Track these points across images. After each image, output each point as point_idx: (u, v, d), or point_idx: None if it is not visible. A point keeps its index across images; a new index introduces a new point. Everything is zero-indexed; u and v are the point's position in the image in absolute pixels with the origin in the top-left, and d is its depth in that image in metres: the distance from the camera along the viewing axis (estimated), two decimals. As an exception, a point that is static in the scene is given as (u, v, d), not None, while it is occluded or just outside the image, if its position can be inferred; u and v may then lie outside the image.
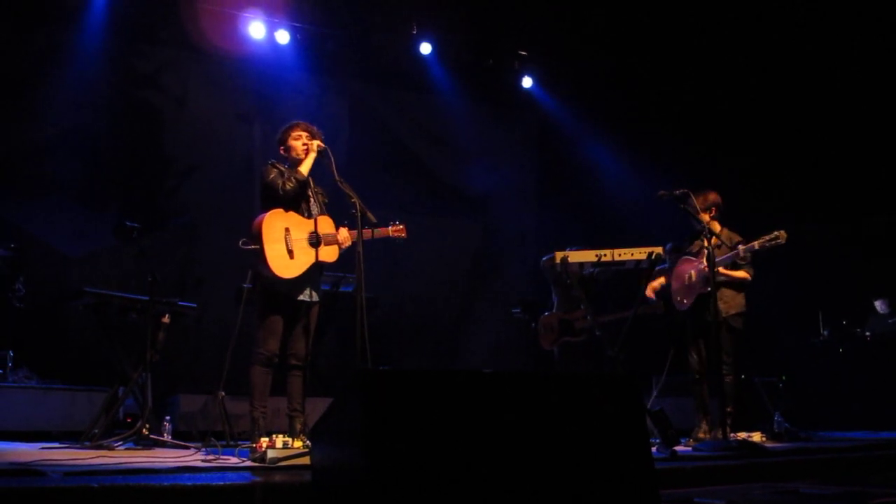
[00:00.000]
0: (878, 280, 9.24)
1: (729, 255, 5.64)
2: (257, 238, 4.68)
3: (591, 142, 9.88)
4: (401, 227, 5.16)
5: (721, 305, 5.68)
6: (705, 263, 5.50)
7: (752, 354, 8.28)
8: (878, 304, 9.01)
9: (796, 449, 5.50)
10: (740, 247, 5.59)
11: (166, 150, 8.35)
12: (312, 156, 4.88)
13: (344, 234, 4.86)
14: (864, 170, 9.18)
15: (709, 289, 5.41)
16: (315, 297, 4.90)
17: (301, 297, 4.81)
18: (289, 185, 4.78)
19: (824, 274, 9.36)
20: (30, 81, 7.63)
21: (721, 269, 5.61)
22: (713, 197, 5.93)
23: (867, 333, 8.93)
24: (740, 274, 5.79)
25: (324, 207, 5.04)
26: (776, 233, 5.43)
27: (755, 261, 5.85)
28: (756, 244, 5.50)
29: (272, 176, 4.84)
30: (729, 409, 5.46)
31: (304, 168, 4.87)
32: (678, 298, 5.95)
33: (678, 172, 7.89)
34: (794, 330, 9.36)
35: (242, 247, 4.75)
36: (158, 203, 8.22)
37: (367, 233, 4.84)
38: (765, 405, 7.55)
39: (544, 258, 6.47)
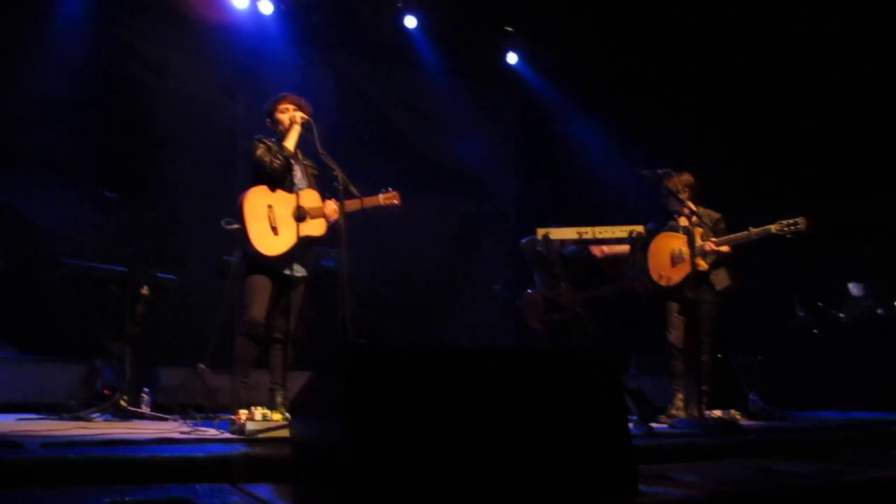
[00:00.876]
0: (853, 264, 9.35)
1: (738, 235, 5.61)
2: (240, 217, 4.65)
3: (576, 119, 9.88)
4: (393, 193, 5.04)
5: (712, 283, 5.73)
6: (700, 241, 5.50)
7: (729, 335, 8.36)
8: (852, 287, 9.12)
9: (771, 427, 5.58)
10: (752, 228, 5.55)
11: (147, 121, 8.24)
12: (297, 129, 4.84)
13: (332, 207, 4.79)
14: (841, 155, 9.23)
15: (699, 267, 5.42)
16: (301, 273, 4.87)
17: (286, 272, 4.78)
18: (276, 164, 4.74)
19: (801, 257, 9.44)
20: (7, 52, 7.49)
21: (713, 247, 5.62)
22: (686, 178, 5.92)
23: (842, 316, 9.04)
24: (724, 249, 5.76)
25: (313, 180, 4.98)
26: (797, 219, 5.41)
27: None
28: (773, 228, 5.47)
29: (259, 152, 4.79)
30: (705, 388, 5.51)
31: (290, 143, 4.83)
32: (660, 274, 5.93)
33: (661, 151, 7.88)
34: (770, 311, 9.45)
35: (225, 226, 4.72)
36: (138, 174, 8.13)
37: (355, 203, 4.78)
38: (741, 385, 7.64)
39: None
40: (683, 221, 5.94)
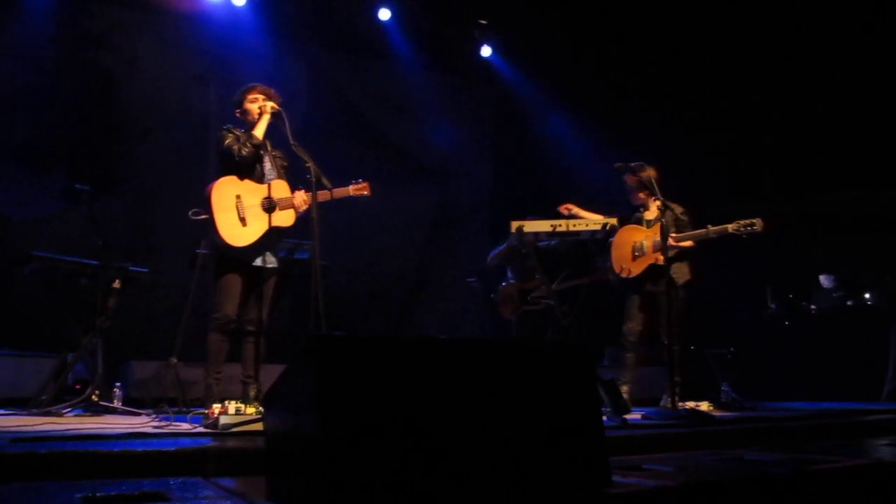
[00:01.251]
0: (823, 256, 9.47)
1: (698, 231, 5.68)
2: (207, 207, 4.61)
3: (550, 112, 9.89)
4: (363, 184, 5.02)
5: (674, 276, 5.77)
6: (657, 233, 5.56)
7: (702, 327, 8.44)
8: (823, 279, 9.23)
9: (742, 418, 5.64)
10: (710, 227, 5.63)
11: (118, 112, 8.14)
12: (266, 118, 4.80)
13: (301, 198, 4.77)
14: (812, 149, 9.34)
15: (663, 259, 5.49)
16: (272, 263, 4.85)
17: (256, 263, 4.76)
18: (245, 151, 4.70)
19: (772, 250, 9.54)
20: (-27, 41, 7.39)
21: (673, 241, 5.68)
22: (651, 172, 5.97)
23: (812, 307, 9.15)
24: (688, 243, 5.84)
25: (282, 171, 4.95)
26: (753, 220, 5.50)
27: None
28: (730, 227, 5.56)
29: (228, 141, 4.76)
30: (677, 379, 5.56)
31: (259, 132, 4.80)
32: (622, 266, 5.99)
33: (636, 144, 7.95)
34: (743, 304, 9.55)
35: (193, 217, 4.67)
36: (109, 166, 8.03)
37: (325, 194, 4.75)
38: (714, 376, 7.71)
39: (492, 254, 6.63)
40: (648, 215, 6.00)
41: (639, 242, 5.93)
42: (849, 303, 8.99)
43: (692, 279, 5.99)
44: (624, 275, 5.95)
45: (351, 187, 4.98)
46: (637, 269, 5.90)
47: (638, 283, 5.92)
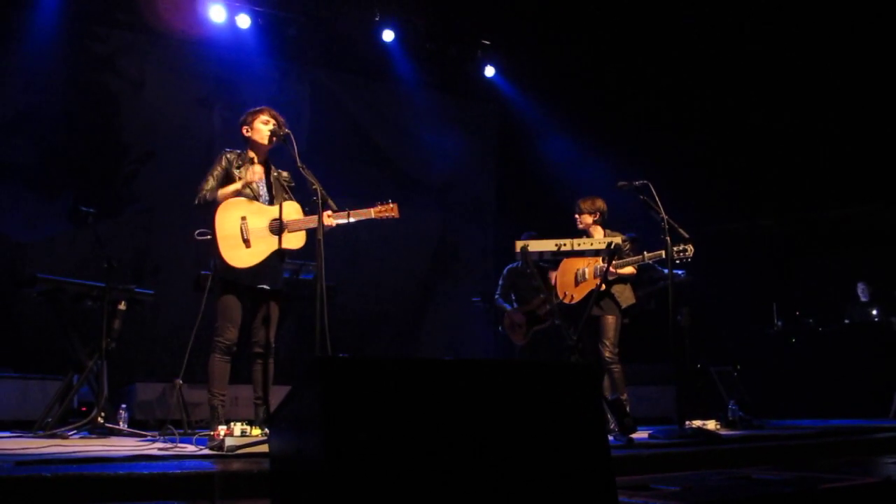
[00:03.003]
0: (831, 273, 9.45)
1: (635, 258, 5.76)
2: (211, 227, 4.61)
3: (553, 131, 9.92)
4: (391, 206, 4.83)
5: (616, 299, 5.91)
6: (601, 263, 5.69)
7: (707, 344, 8.42)
8: (860, 288, 9.05)
9: (749, 436, 5.61)
10: (646, 253, 5.71)
11: (123, 134, 8.21)
12: (236, 187, 4.75)
13: (330, 218, 4.61)
14: (817, 165, 9.35)
15: (603, 285, 5.62)
16: (275, 285, 4.82)
17: (261, 286, 4.74)
18: (205, 198, 4.66)
19: (778, 266, 9.53)
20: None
21: (613, 269, 5.74)
22: (599, 203, 6.08)
23: (846, 321, 9.05)
24: (628, 270, 5.92)
25: (289, 192, 4.92)
26: (686, 245, 5.56)
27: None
28: (663, 253, 5.61)
29: (204, 183, 4.70)
30: (624, 398, 5.72)
31: (253, 173, 4.76)
32: (565, 293, 6.10)
33: (639, 163, 7.96)
34: (748, 321, 9.53)
35: (198, 237, 4.67)
36: (115, 188, 8.08)
37: (342, 215, 4.71)
38: (720, 394, 7.68)
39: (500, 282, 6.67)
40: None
41: (581, 269, 6.05)
42: (875, 316, 8.86)
43: (635, 303, 6.09)
44: (566, 300, 6.05)
45: (374, 209, 4.82)
46: (579, 294, 6.01)
47: (578, 309, 5.93)
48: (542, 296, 6.46)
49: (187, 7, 8.17)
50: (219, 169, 4.77)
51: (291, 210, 4.74)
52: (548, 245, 5.40)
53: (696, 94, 9.49)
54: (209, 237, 4.61)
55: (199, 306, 4.71)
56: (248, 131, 4.87)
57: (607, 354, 5.80)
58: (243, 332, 4.75)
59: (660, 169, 6.76)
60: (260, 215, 4.69)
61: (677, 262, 5.62)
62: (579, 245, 5.39)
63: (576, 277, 6.07)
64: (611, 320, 5.86)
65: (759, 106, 9.39)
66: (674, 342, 5.52)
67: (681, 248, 5.58)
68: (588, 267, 6.01)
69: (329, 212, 4.60)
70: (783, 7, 8.70)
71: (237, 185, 4.71)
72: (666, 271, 5.75)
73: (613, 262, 5.66)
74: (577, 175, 9.60)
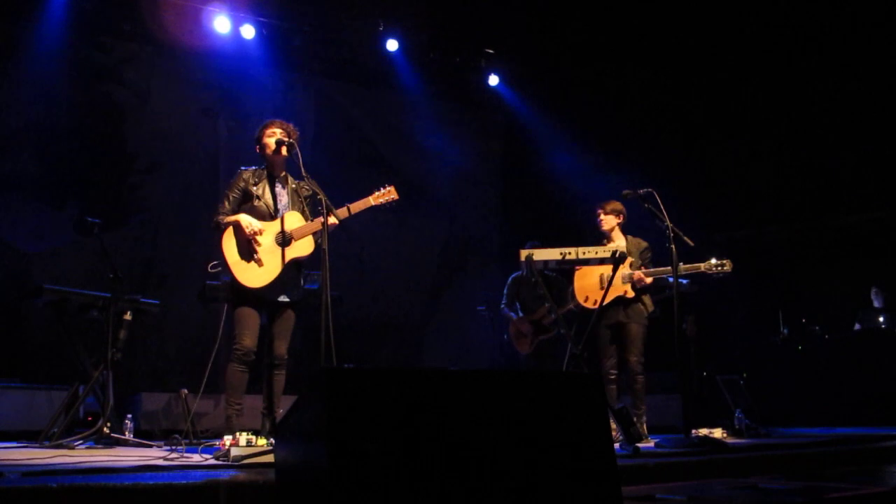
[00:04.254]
0: (837, 280, 9.41)
1: (663, 269, 5.71)
2: (220, 255, 4.61)
3: (557, 140, 9.92)
4: (388, 189, 4.84)
5: (641, 308, 5.88)
6: (629, 270, 5.65)
7: (713, 353, 8.39)
8: (873, 293, 8.99)
9: (756, 445, 5.58)
10: (682, 265, 5.66)
11: (129, 145, 8.23)
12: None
13: (339, 214, 4.61)
14: (824, 173, 9.33)
15: (627, 294, 5.64)
16: (293, 297, 4.79)
17: (281, 298, 4.72)
18: (220, 224, 4.68)
19: (784, 274, 9.49)
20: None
21: (642, 277, 5.72)
22: (620, 205, 6.04)
23: (857, 326, 9.00)
24: (650, 280, 5.88)
25: (306, 201, 4.88)
26: (724, 261, 5.53)
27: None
28: (702, 266, 5.58)
29: (220, 206, 4.73)
30: (644, 408, 5.73)
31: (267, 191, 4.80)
32: (586, 297, 6.01)
33: (644, 171, 7.96)
34: (754, 329, 9.49)
35: (211, 270, 4.68)
36: (121, 199, 8.10)
37: (343, 212, 4.69)
38: (726, 402, 7.65)
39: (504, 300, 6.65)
40: (613, 246, 5.99)
41: (607, 273, 5.93)
42: (881, 323, 8.81)
43: (655, 311, 6.06)
44: (588, 305, 5.95)
45: (372, 197, 4.83)
46: (605, 299, 5.92)
47: (602, 313, 5.86)
48: (546, 305, 6.45)
49: (192, 18, 8.20)
50: (235, 190, 4.78)
51: (293, 220, 4.74)
52: (552, 254, 5.39)
53: (703, 101, 9.48)
54: (220, 269, 4.62)
55: (206, 317, 4.71)
56: (259, 149, 4.89)
57: (633, 362, 5.77)
58: (259, 343, 4.74)
59: (667, 177, 6.78)
60: (267, 231, 4.68)
61: (714, 277, 5.59)
62: (584, 254, 5.38)
63: (600, 281, 5.96)
64: (639, 329, 5.83)
65: (765, 114, 9.38)
66: (680, 351, 5.51)
67: (719, 263, 5.55)
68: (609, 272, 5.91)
69: (332, 219, 4.61)
70: (790, 15, 8.70)
71: (235, 218, 4.69)
72: (671, 279, 5.73)
73: (644, 270, 5.66)
74: (583, 184, 9.59)
